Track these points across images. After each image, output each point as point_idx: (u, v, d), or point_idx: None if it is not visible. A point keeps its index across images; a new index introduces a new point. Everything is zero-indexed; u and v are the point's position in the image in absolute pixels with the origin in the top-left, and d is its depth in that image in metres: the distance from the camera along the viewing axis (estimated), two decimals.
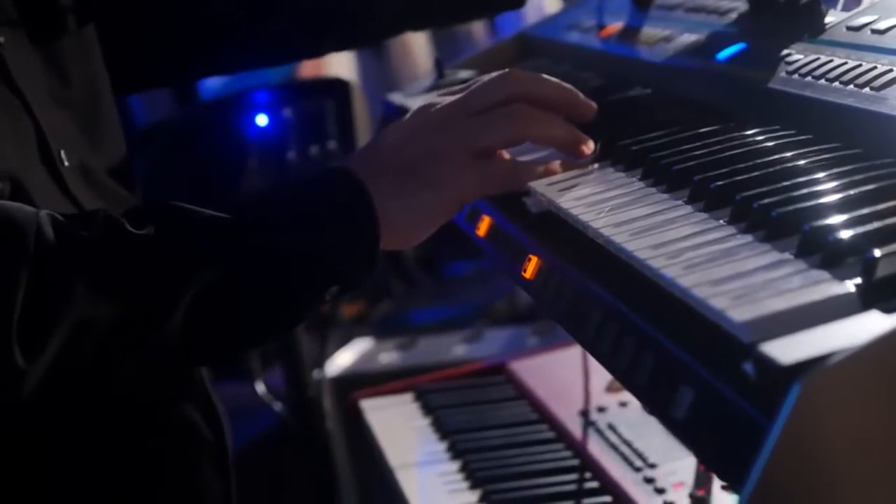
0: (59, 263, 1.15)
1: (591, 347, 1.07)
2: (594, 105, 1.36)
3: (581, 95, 1.37)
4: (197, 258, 1.20)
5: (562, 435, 2.01)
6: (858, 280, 0.85)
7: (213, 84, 4.54)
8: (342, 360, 3.07)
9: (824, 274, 0.88)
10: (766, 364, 0.79)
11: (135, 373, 1.20)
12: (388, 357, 3.05)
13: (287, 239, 1.24)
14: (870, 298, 0.83)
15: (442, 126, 1.32)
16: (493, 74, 1.36)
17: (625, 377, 0.99)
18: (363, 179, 1.28)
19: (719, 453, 0.85)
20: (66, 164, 1.41)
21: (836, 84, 1.22)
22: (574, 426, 2.00)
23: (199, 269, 1.20)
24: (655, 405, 0.94)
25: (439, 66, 1.92)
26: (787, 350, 0.79)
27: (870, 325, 0.80)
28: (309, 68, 4.92)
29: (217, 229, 1.22)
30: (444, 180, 1.29)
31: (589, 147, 1.33)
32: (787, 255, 0.93)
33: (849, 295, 0.84)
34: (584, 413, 2.01)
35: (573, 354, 2.21)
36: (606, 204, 1.17)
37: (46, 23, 1.49)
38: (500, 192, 1.34)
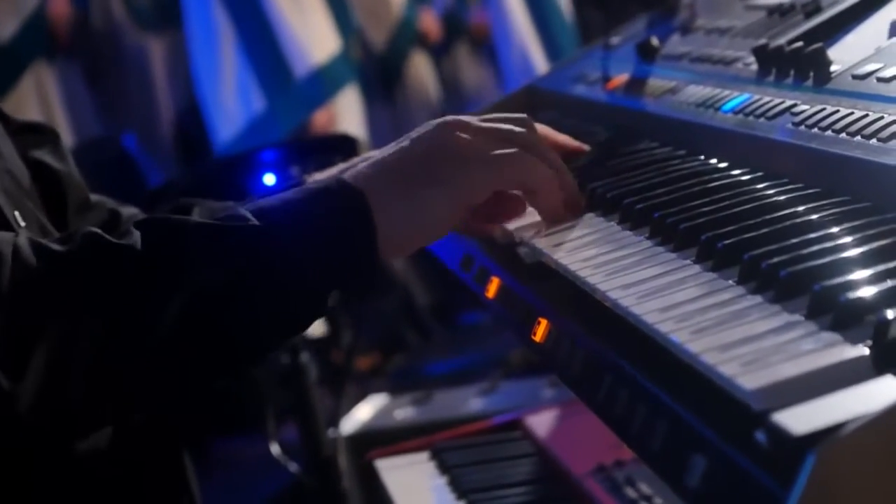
0: (36, 282, 1.15)
1: (603, 413, 1.05)
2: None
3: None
4: (183, 263, 1.19)
5: (580, 491, 1.98)
6: (871, 342, 0.83)
7: (223, 141, 4.57)
8: (357, 417, 3.05)
9: (836, 336, 0.86)
10: (779, 434, 0.78)
11: (134, 386, 1.19)
12: (404, 413, 3.03)
13: (277, 244, 1.22)
14: (884, 362, 0.81)
15: (453, 130, 1.31)
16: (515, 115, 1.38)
17: (636, 445, 0.98)
18: (359, 184, 1.26)
19: None
20: (23, 224, 1.41)
21: (843, 135, 1.21)
22: (592, 482, 1.97)
23: (186, 275, 1.18)
24: (668, 474, 0.92)
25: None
26: (799, 419, 0.77)
27: (884, 391, 0.78)
28: (320, 120, 4.94)
29: (204, 235, 1.21)
30: (446, 177, 1.28)
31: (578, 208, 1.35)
32: (797, 317, 0.91)
33: (862, 359, 0.82)
34: (603, 468, 1.98)
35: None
36: (613, 265, 1.15)
37: None
38: (506, 188, 1.34)
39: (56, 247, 1.19)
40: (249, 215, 1.23)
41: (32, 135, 1.61)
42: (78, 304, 1.16)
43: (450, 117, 1.34)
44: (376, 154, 1.35)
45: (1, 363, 1.12)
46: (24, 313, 1.14)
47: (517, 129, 1.34)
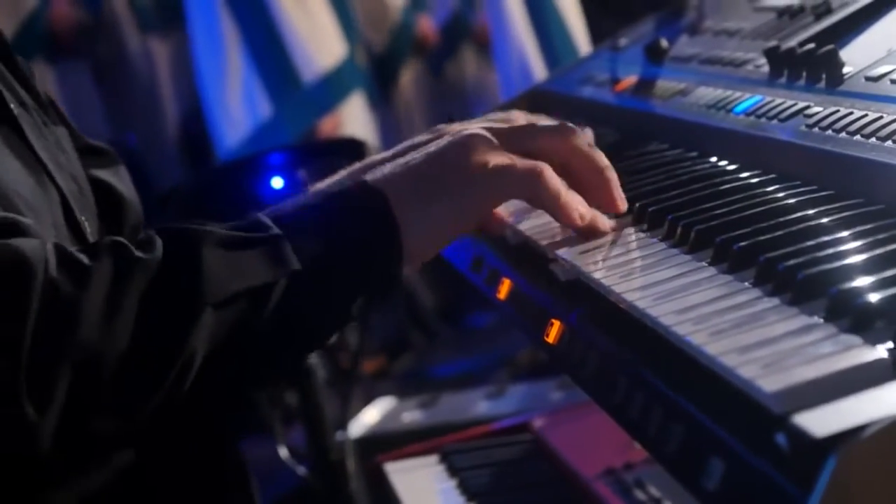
0: (61, 299, 1.11)
1: (618, 416, 1.05)
2: (624, 205, 1.32)
3: (617, 189, 1.32)
4: (208, 278, 1.16)
5: (589, 494, 1.97)
6: (891, 345, 0.83)
7: (228, 147, 4.56)
8: (365, 420, 3.04)
9: (855, 339, 0.86)
10: (800, 436, 0.77)
11: (160, 406, 1.15)
12: (411, 416, 3.02)
13: (305, 255, 1.20)
14: None
15: (475, 146, 1.28)
16: (551, 123, 1.34)
17: (653, 447, 0.97)
18: (381, 186, 1.25)
19: None
20: (88, 230, 1.41)
21: (857, 137, 1.20)
22: (601, 485, 1.96)
23: (211, 289, 1.15)
24: (685, 477, 0.91)
25: (451, 121, 1.90)
26: (820, 422, 0.77)
27: None
28: (326, 126, 4.93)
29: (230, 247, 1.19)
30: (456, 191, 1.26)
31: (605, 226, 1.30)
32: (815, 319, 0.91)
33: (882, 361, 0.82)
34: (611, 471, 1.98)
35: (597, 410, 2.18)
36: (628, 266, 1.15)
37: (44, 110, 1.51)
38: (516, 197, 1.30)
39: (84, 260, 1.14)
40: (271, 223, 1.21)
41: (96, 156, 1.62)
42: (102, 321, 1.11)
43: (478, 130, 1.31)
44: (396, 157, 1.32)
45: (29, 391, 1.07)
46: (49, 334, 1.09)
47: (550, 138, 1.32)
